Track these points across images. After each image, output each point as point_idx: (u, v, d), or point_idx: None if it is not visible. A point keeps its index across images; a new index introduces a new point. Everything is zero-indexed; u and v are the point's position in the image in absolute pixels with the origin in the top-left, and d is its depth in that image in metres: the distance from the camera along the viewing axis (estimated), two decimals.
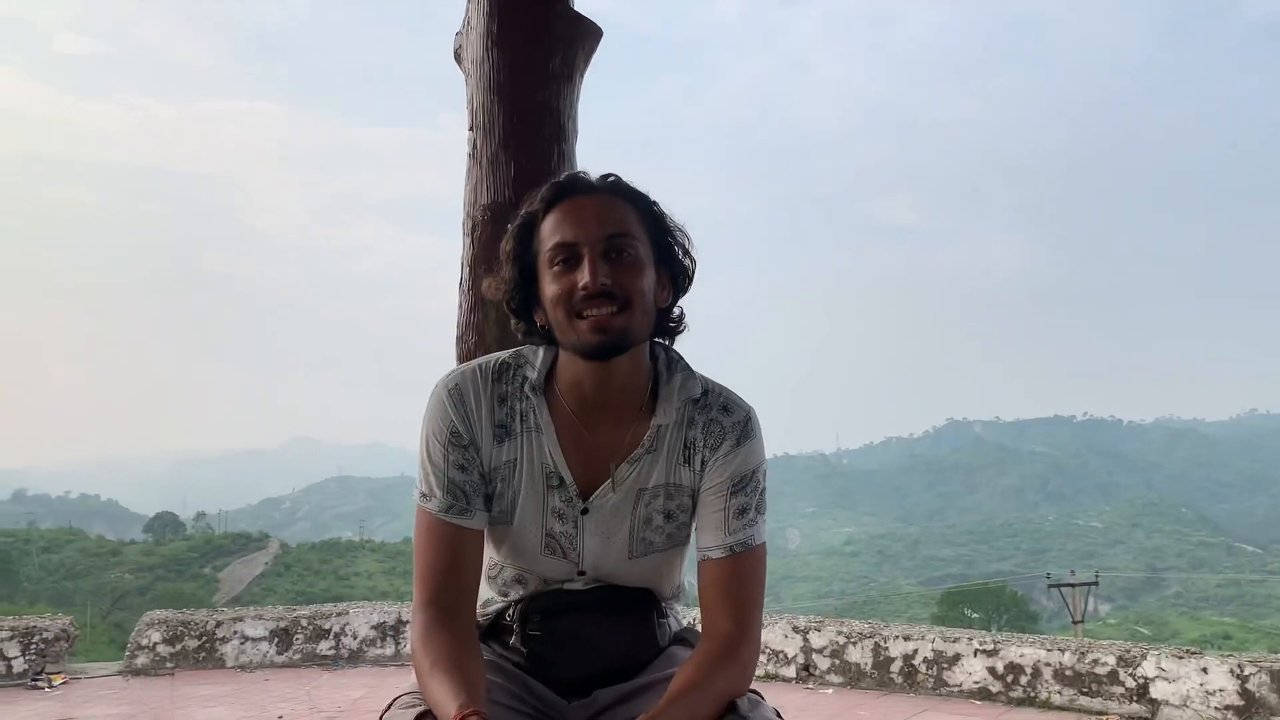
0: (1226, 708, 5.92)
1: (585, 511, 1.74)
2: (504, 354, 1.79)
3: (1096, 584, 36.73)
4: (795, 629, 7.55)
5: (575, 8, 3.35)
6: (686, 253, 1.76)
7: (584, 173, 1.75)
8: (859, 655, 7.24)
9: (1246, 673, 5.92)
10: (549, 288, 1.67)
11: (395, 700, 1.70)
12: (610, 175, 1.74)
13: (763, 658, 7.55)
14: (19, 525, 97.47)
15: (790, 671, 7.47)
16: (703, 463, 1.74)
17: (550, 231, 1.68)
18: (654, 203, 1.74)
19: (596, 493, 1.74)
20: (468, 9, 3.31)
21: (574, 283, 1.63)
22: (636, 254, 1.66)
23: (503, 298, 1.77)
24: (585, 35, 3.30)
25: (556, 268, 1.65)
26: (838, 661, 7.31)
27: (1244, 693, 5.89)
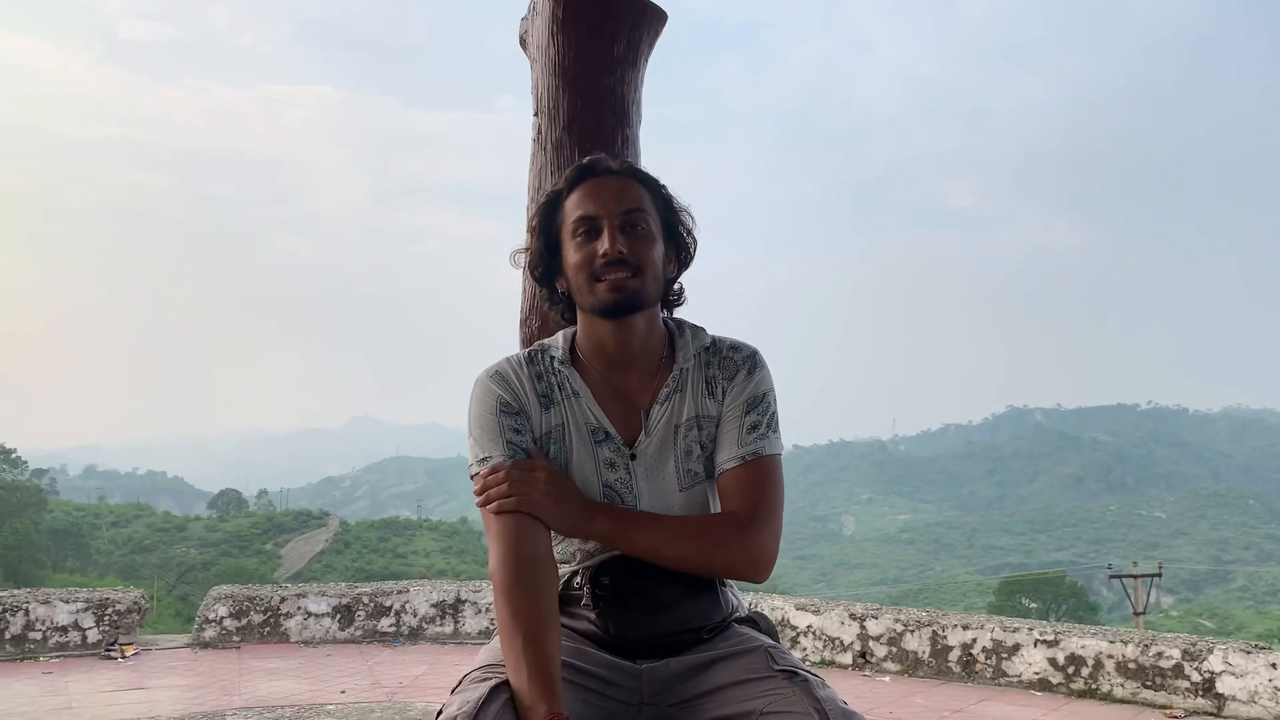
0: None
1: (634, 457, 1.93)
2: (528, 347, 2.03)
3: (1160, 575, 35.96)
4: (852, 616, 7.52)
5: None
6: (690, 232, 2.01)
7: (604, 156, 2.01)
8: (916, 643, 7.19)
9: None
10: (572, 256, 1.90)
11: (467, 675, 1.76)
12: (628, 161, 2.03)
13: (819, 643, 7.53)
14: (90, 500, 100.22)
15: (847, 659, 7.44)
16: (723, 392, 1.95)
17: (574, 206, 1.92)
18: (663, 186, 1.99)
19: (639, 438, 1.92)
20: None
21: (595, 251, 1.87)
22: (649, 228, 1.91)
23: (528, 266, 2.02)
24: (650, 19, 3.28)
25: (579, 238, 1.89)
26: (895, 649, 7.27)
27: None
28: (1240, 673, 6.00)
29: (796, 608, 7.81)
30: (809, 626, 7.64)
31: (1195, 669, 6.14)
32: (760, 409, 1.93)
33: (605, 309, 1.87)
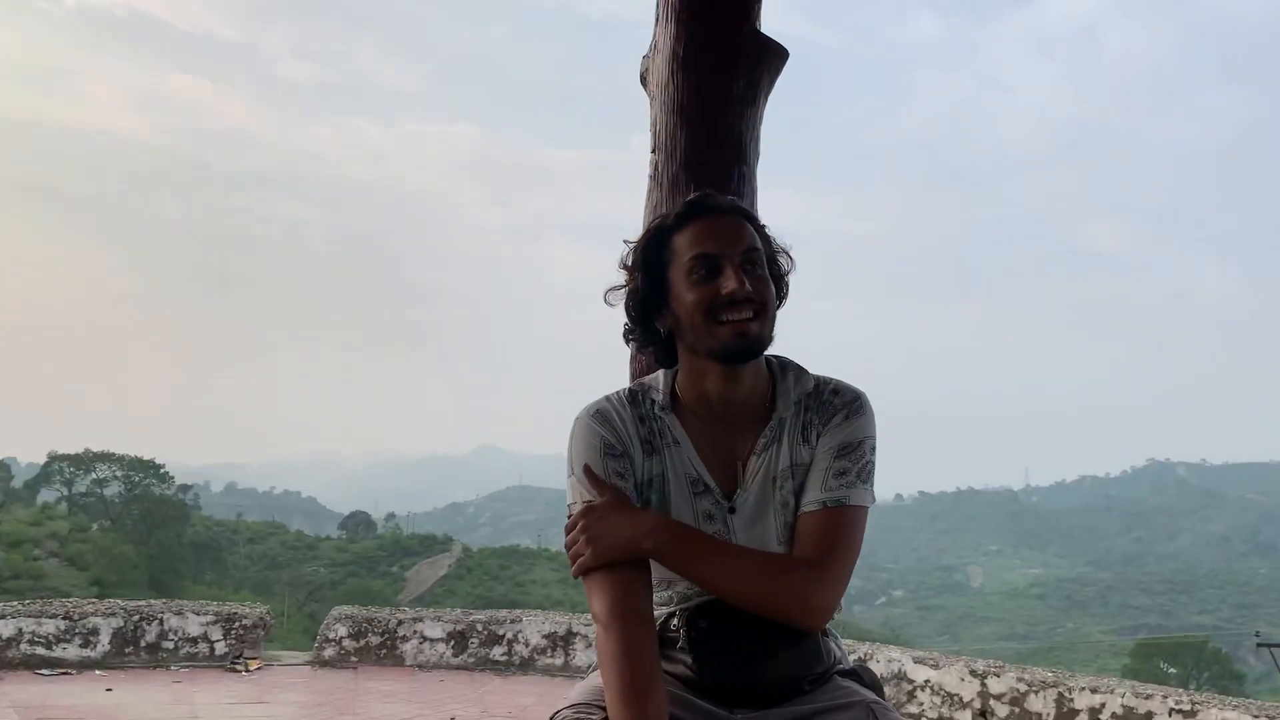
0: None
1: (732, 510, 1.86)
2: (628, 385, 1.95)
3: None
4: (973, 672, 7.24)
5: (762, 29, 3.33)
6: (785, 275, 1.93)
7: (714, 192, 1.93)
8: (1041, 705, 6.86)
9: None
10: (687, 294, 1.81)
11: (558, 712, 1.77)
12: (731, 198, 1.94)
13: (936, 699, 7.27)
14: (229, 516, 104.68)
15: (966, 716, 7.16)
16: (818, 436, 1.86)
17: (689, 244, 1.83)
18: (764, 225, 1.93)
19: (738, 491, 1.86)
20: (655, 32, 3.35)
21: (716, 290, 1.78)
22: (764, 269, 1.85)
23: (625, 302, 1.92)
24: (771, 57, 3.27)
25: (696, 276, 1.81)
26: (1017, 710, 6.96)
27: None
28: None
29: (914, 660, 7.56)
30: (927, 681, 7.39)
31: None
32: (854, 455, 1.84)
33: (726, 353, 1.80)
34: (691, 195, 1.94)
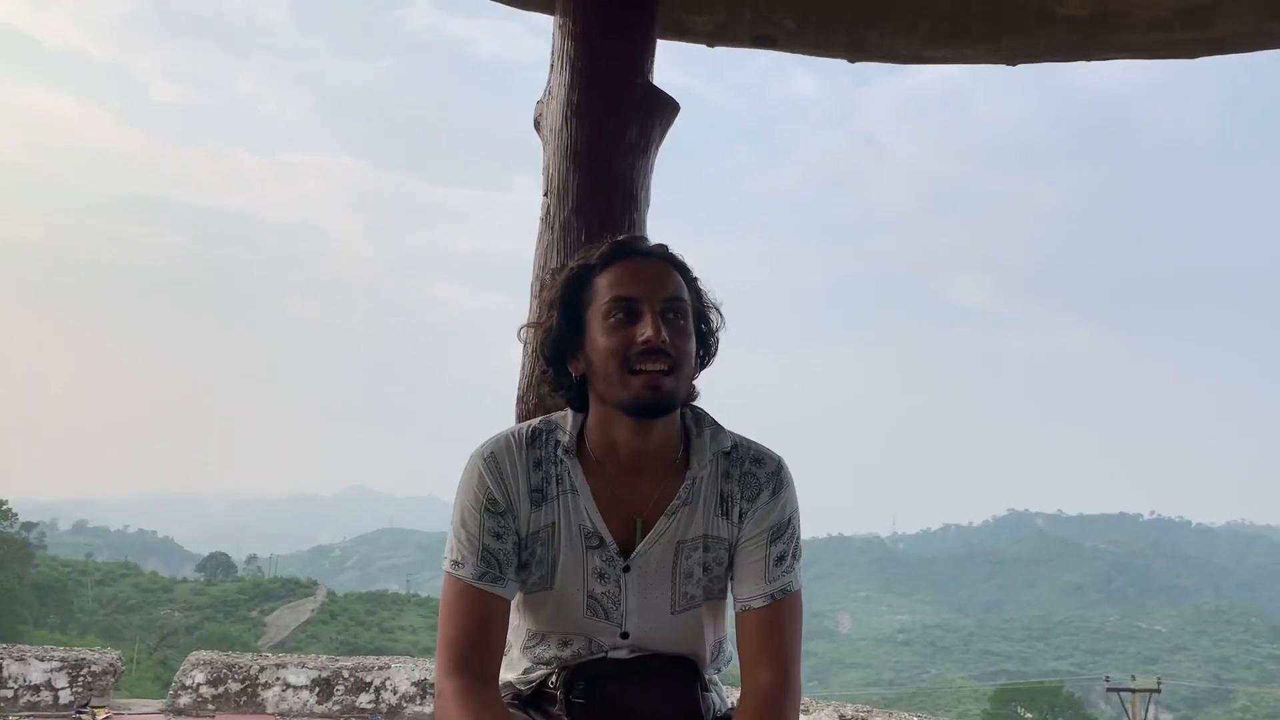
0: None
1: (627, 569, 1.78)
2: (534, 421, 1.84)
3: (1159, 691, 35.23)
4: (842, 717, 7.36)
5: (654, 81, 3.41)
6: (715, 330, 1.84)
7: (643, 236, 1.87)
8: None
9: None
10: (603, 339, 1.72)
11: None
12: (660, 244, 1.83)
13: None
14: (77, 556, 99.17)
15: None
16: (740, 514, 1.79)
17: (610, 285, 1.74)
18: (695, 277, 1.82)
19: (637, 549, 1.77)
20: (550, 79, 3.39)
21: (632, 336, 1.69)
22: (688, 319, 1.75)
23: (539, 343, 1.82)
24: (663, 109, 3.34)
25: (613, 320, 1.71)
26: None
27: None
28: None
29: None
30: None
31: None
32: (786, 536, 1.79)
33: (635, 407, 1.70)
34: (620, 236, 1.86)
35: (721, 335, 1.85)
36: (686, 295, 1.77)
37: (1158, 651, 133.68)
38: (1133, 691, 33.01)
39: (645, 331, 1.68)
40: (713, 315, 1.84)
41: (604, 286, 1.75)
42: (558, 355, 1.79)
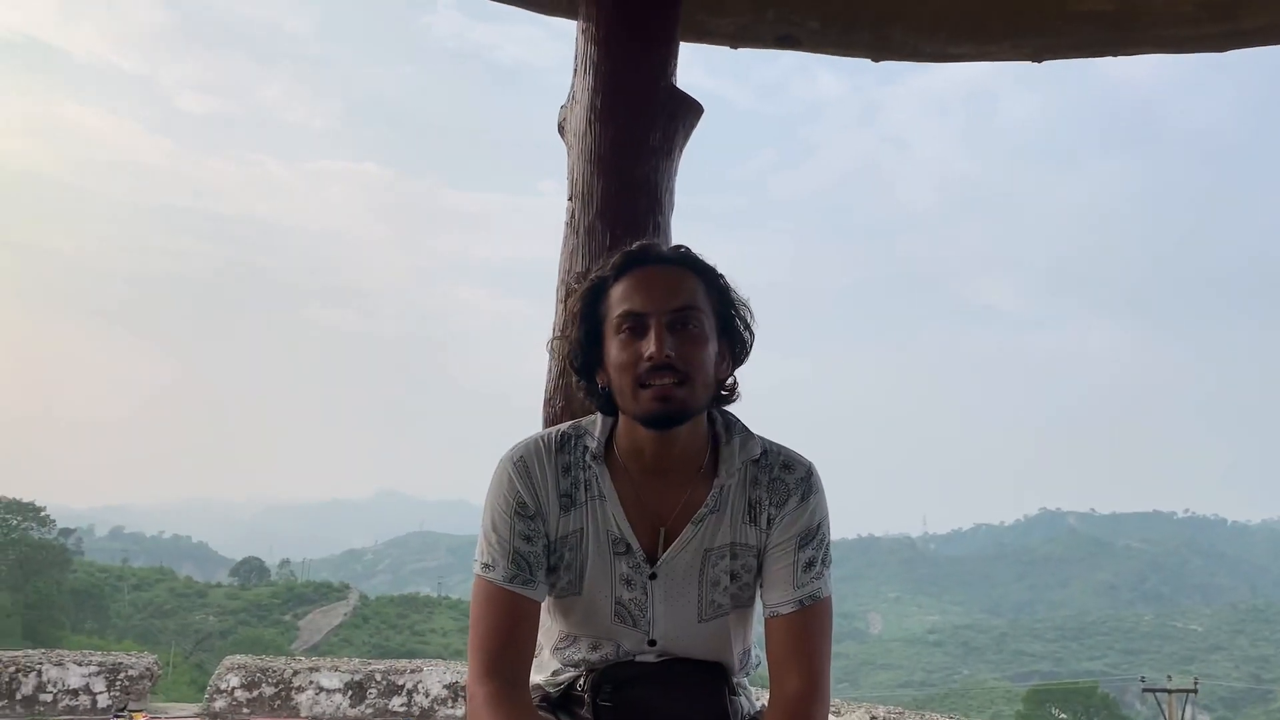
0: None
1: (654, 576, 1.77)
2: (564, 425, 1.85)
3: (1195, 691, 34.81)
4: (873, 718, 7.32)
5: (678, 84, 3.41)
6: (747, 326, 1.81)
7: (657, 242, 1.83)
8: None
9: None
10: (615, 353, 1.72)
11: None
12: (681, 246, 1.82)
13: None
14: (114, 562, 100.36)
15: None
16: (769, 520, 1.78)
17: (620, 298, 1.74)
18: (720, 276, 1.80)
19: (663, 556, 1.77)
20: (573, 83, 3.40)
21: (640, 352, 1.68)
22: (701, 327, 1.72)
23: (566, 356, 1.82)
24: (686, 112, 3.35)
25: (623, 335, 1.72)
26: None
27: None
28: None
29: None
30: None
31: None
32: (816, 542, 1.78)
33: (648, 420, 1.70)
34: (633, 244, 1.83)
35: (756, 331, 1.82)
36: (700, 300, 1.75)
37: (1194, 651, 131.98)
38: (1169, 692, 32.64)
39: (649, 348, 1.68)
40: (741, 310, 1.81)
41: (615, 300, 1.75)
42: (585, 367, 1.80)
